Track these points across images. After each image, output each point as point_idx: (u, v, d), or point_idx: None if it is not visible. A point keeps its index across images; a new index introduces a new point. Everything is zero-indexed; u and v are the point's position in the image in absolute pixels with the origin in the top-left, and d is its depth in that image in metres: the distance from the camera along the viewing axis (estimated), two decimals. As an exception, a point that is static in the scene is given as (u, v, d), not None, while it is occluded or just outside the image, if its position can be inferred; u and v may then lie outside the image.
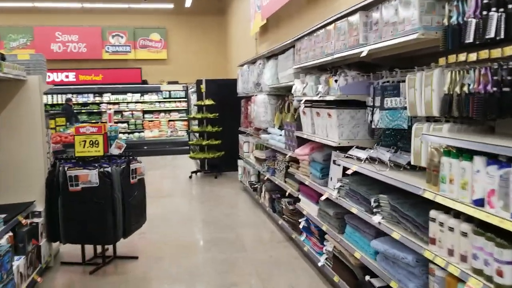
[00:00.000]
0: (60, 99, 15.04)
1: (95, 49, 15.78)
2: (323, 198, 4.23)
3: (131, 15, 15.98)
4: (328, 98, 4.14)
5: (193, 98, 14.85)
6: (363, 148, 3.91)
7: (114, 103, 15.38)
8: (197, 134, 11.43)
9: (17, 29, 15.26)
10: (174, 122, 15.78)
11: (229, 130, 10.87)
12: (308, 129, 4.93)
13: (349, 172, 3.61)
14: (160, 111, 15.70)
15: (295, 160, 5.53)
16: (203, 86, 10.72)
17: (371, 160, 3.55)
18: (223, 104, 10.96)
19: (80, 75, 15.52)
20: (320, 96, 4.31)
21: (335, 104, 4.11)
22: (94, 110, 15.22)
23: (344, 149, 4.08)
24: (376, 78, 3.83)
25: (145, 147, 15.06)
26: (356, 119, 4.08)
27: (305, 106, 4.89)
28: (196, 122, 12.20)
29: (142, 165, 5.46)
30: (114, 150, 8.96)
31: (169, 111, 15.78)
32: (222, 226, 6.48)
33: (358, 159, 3.65)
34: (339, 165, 4.13)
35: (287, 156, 5.60)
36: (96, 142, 5.14)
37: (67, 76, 15.47)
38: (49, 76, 15.15)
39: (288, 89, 6.35)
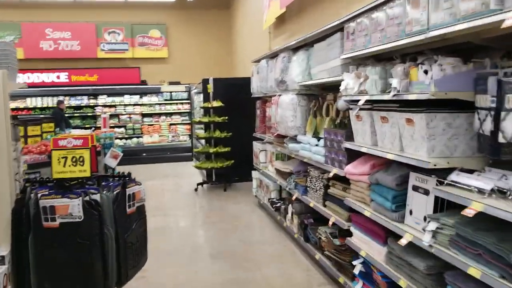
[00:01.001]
0: (51, 102, 13.75)
1: (89, 47, 14.51)
2: (403, 242, 2.95)
3: (129, 10, 14.71)
4: (411, 96, 2.87)
5: (197, 99, 13.60)
6: (469, 171, 2.64)
7: (110, 106, 14.09)
8: (203, 141, 10.17)
9: (3, 25, 13.96)
10: (176, 126, 14.49)
11: (240, 135, 9.63)
12: (366, 139, 3.66)
13: (467, 213, 2.33)
14: (160, 114, 14.42)
15: (338, 178, 4.26)
16: (210, 86, 9.44)
17: (499, 192, 2.29)
18: (233, 106, 9.70)
19: (73, 76, 14.22)
20: (394, 95, 3.03)
21: (420, 105, 2.85)
22: (89, 114, 13.92)
23: (425, 169, 2.83)
24: (493, 67, 2.57)
25: (144, 154, 13.78)
26: (454, 127, 2.81)
27: (361, 109, 3.62)
28: (202, 126, 10.96)
29: (141, 188, 4.16)
30: (109, 160, 7.71)
31: (170, 114, 14.51)
32: (241, 260, 5.20)
33: (480, 190, 2.37)
34: (427, 194, 2.86)
35: (330, 173, 4.31)
36: (81, 160, 3.85)
37: (58, 77, 14.17)
38: (38, 77, 13.94)
39: (325, 86, 5.10)
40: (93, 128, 10.39)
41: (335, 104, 4.59)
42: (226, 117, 9.37)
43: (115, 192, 3.78)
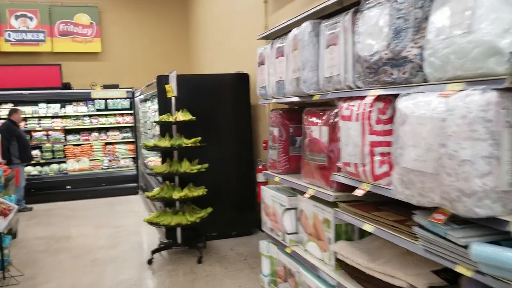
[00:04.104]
0: None
1: (-13, 37, 10.28)
2: None
3: (45, -15, 10.64)
4: None
5: (143, 109, 9.76)
6: None
7: (18, 119, 9.90)
8: (157, 177, 6.35)
9: None
10: (114, 146, 10.49)
11: (220, 166, 6.15)
12: None
13: None
14: (91, 130, 10.38)
15: None
16: (171, 87, 5.67)
17: None
18: (209, 120, 6.13)
19: (-36, 76, 9.92)
20: None
21: None
22: (-15, 130, 9.65)
23: None
24: None
25: (68, 187, 9.69)
26: None
27: None
28: (154, 153, 7.13)
29: None
30: None
31: (106, 129, 10.50)
32: None
33: None
34: None
35: None
36: None
37: None
38: None
39: None
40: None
41: None
42: (199, 139, 5.65)
43: None
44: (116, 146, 10.47)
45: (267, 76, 3.98)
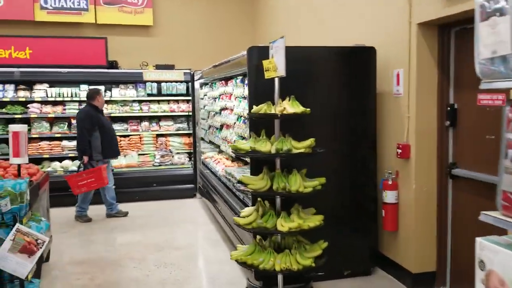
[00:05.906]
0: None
1: (20, 4, 8.61)
2: None
3: None
4: None
5: (203, 95, 8.02)
6: None
7: (54, 103, 8.25)
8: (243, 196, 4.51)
9: None
10: (167, 139, 8.73)
11: (328, 178, 4.23)
12: None
13: None
14: (141, 118, 8.67)
15: None
16: (273, 63, 3.79)
17: None
18: (311, 114, 4.21)
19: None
20: None
21: None
22: (16, 116, 8.02)
23: None
24: None
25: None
26: None
27: None
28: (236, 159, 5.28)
29: None
30: (9, 262, 3.11)
31: (158, 118, 8.76)
32: None
33: None
34: None
35: None
36: None
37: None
38: None
39: None
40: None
41: None
42: (313, 141, 3.77)
43: None
44: (170, 138, 8.71)
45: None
